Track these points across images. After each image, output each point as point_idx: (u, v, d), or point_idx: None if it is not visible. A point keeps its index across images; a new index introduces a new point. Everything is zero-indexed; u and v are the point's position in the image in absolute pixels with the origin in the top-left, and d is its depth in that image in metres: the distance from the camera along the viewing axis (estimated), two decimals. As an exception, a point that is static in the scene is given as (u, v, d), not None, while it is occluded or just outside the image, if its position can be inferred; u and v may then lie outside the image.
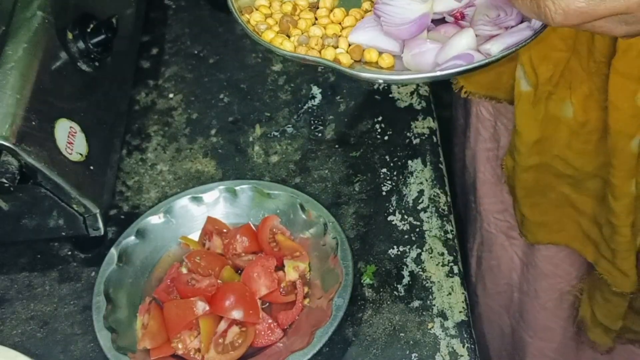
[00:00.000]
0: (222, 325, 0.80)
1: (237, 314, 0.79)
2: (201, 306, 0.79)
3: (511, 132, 0.97)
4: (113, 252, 0.85)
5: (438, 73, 0.68)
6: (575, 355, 1.13)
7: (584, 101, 0.87)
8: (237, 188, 0.90)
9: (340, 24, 0.75)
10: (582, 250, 0.99)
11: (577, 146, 0.90)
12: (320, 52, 0.72)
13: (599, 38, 0.83)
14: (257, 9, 0.76)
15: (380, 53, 0.72)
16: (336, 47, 0.73)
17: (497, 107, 1.00)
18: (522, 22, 0.69)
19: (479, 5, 0.71)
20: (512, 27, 0.69)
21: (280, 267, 0.83)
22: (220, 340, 0.79)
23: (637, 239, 0.93)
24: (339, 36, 0.74)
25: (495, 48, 0.68)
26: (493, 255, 1.12)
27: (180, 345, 0.79)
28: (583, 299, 1.05)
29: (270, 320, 0.80)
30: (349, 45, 0.73)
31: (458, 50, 0.68)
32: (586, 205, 0.95)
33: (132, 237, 0.87)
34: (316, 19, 0.76)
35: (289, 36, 0.74)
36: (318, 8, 0.76)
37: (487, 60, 0.67)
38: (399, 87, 1.02)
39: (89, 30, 0.89)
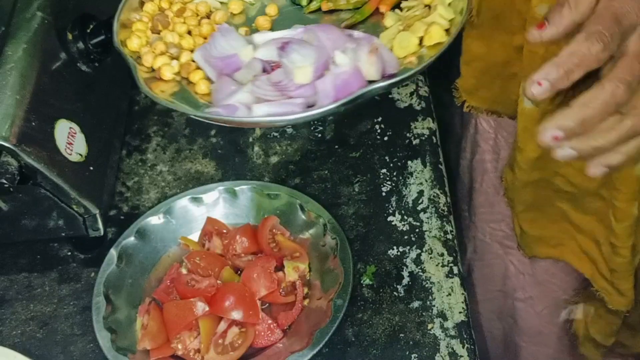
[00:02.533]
0: (222, 325, 0.80)
1: (236, 315, 0.79)
2: (201, 307, 0.79)
3: (511, 145, 0.96)
4: (113, 252, 0.85)
5: (206, 115, 0.70)
6: None
7: None
8: (236, 189, 0.90)
9: (206, 38, 0.79)
10: (580, 267, 0.99)
11: (579, 164, 0.90)
12: (156, 58, 0.76)
13: None
14: (133, 32, 0.80)
15: (208, 79, 0.75)
16: (176, 58, 0.77)
17: (498, 120, 1.00)
18: (301, 97, 0.70)
19: (283, 65, 0.73)
20: (289, 97, 0.70)
21: (280, 267, 0.83)
22: (220, 341, 0.79)
23: (636, 260, 0.93)
24: (186, 50, 0.78)
25: (258, 111, 0.69)
26: (485, 264, 1.12)
27: (180, 346, 0.79)
28: (577, 313, 1.05)
29: (270, 321, 0.80)
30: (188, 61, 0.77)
31: (233, 99, 0.71)
32: (585, 223, 0.94)
33: (132, 238, 0.87)
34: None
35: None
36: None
37: (242, 119, 0.70)
38: (398, 88, 1.02)
39: (88, 30, 0.89)
